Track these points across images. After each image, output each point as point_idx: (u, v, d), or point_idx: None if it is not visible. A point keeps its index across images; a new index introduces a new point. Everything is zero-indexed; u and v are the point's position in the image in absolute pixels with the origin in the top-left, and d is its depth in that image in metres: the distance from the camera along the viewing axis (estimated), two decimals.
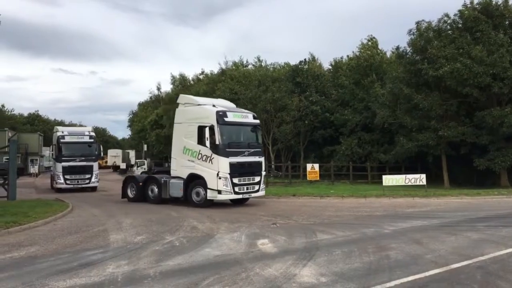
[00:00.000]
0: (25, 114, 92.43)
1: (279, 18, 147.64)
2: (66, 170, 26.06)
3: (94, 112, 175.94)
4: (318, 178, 28.83)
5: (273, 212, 15.18)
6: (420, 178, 21.37)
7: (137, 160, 58.93)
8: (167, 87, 71.15)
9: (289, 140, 40.52)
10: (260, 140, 18.61)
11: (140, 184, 19.12)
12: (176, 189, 17.49)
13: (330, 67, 45.13)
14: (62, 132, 27.51)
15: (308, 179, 28.77)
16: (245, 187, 16.76)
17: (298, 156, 41.91)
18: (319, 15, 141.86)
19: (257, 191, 17.28)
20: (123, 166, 64.54)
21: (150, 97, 73.58)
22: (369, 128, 35.42)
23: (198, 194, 16.81)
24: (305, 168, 30.19)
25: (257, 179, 17.22)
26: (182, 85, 52.87)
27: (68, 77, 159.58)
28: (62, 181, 25.95)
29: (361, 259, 7.73)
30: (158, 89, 70.93)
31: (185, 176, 17.22)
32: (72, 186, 26.11)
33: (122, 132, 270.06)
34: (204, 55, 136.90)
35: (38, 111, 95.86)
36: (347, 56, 42.67)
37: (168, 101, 52.91)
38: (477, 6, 27.77)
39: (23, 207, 15.48)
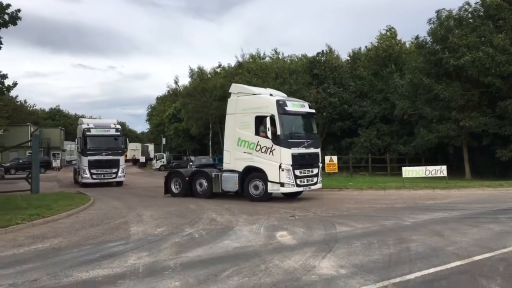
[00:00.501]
0: (46, 109, 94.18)
1: (295, 9, 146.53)
2: (92, 164, 25.19)
3: (113, 107, 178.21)
4: (336, 170, 28.64)
5: (291, 204, 15.17)
6: (440, 170, 21.06)
7: (156, 154, 59.57)
8: (184, 81, 71.55)
9: None
10: (316, 130, 17.96)
11: (187, 178, 18.27)
12: (230, 183, 16.76)
13: (348, 58, 44.66)
14: (88, 125, 26.56)
15: (326, 171, 28.57)
16: (305, 179, 16.10)
17: None
18: (336, 6, 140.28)
19: (316, 183, 16.71)
20: (142, 159, 65.35)
21: (168, 91, 74.10)
22: (388, 119, 35.02)
23: (256, 187, 16.14)
24: (323, 160, 30.03)
25: (315, 171, 16.66)
26: (200, 78, 52.93)
27: (87, 72, 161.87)
28: (88, 175, 25.12)
29: (380, 251, 7.67)
30: (176, 82, 71.39)
31: (240, 169, 16.45)
32: (98, 180, 25.30)
33: (141, 126, 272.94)
34: (221, 48, 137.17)
35: (59, 106, 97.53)
36: (365, 47, 42.19)
37: (186, 95, 53.13)
38: None
39: (46, 200, 15.84)
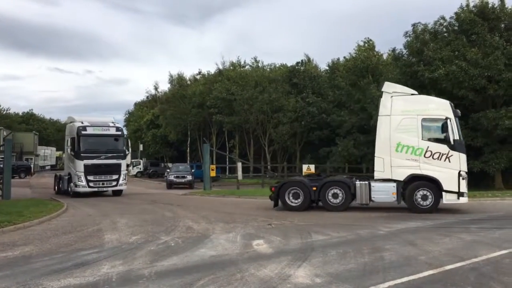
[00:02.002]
0: (21, 113, 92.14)
1: (277, 18, 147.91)
2: (89, 170, 21.66)
3: (90, 111, 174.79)
4: None
5: (268, 212, 15.18)
6: None
7: (132, 160, 58.86)
8: (164, 87, 70.96)
9: (285, 141, 40.63)
10: None
11: (315, 188, 15.83)
12: (385, 193, 15.15)
13: (327, 68, 45.27)
14: (82, 123, 22.56)
15: None
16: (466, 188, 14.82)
17: (294, 157, 42.02)
18: (317, 16, 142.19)
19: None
20: None
21: (147, 97, 73.35)
22: (365, 129, 35.47)
23: (425, 197, 14.57)
24: (301, 169, 30.28)
25: None
26: (180, 84, 52.76)
27: (64, 76, 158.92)
28: (84, 183, 21.62)
29: (355, 260, 7.75)
30: (156, 88, 70.73)
31: (402, 178, 14.84)
32: (96, 189, 22.17)
33: None
34: (202, 55, 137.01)
35: (32, 110, 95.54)
36: (344, 57, 42.84)
37: (165, 101, 52.85)
38: (473, 8, 27.92)
39: (18, 207, 15.47)
